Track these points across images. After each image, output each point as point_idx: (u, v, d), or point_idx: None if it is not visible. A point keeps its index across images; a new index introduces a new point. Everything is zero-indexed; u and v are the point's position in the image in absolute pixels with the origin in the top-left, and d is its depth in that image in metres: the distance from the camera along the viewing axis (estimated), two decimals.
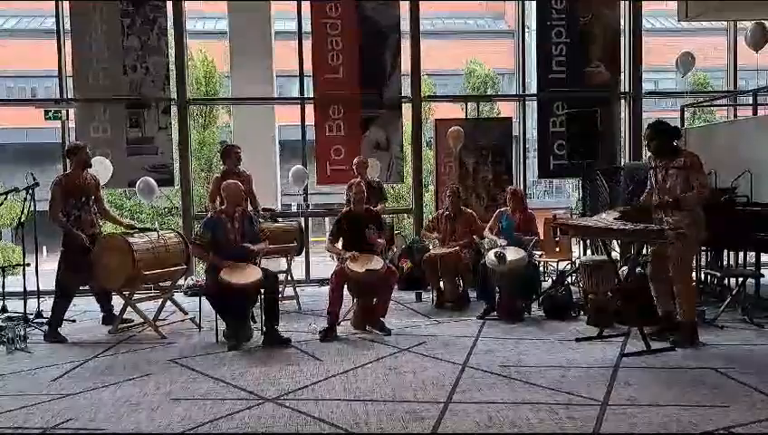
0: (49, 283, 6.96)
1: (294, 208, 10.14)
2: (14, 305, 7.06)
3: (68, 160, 6.53)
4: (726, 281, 7.06)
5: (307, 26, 9.12)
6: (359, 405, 4.13)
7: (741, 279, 6.59)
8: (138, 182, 8.35)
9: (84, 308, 7.21)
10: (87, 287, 6.62)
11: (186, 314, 6.54)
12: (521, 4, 10.24)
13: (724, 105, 11.83)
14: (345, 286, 6.08)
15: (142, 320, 6.24)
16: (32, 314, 6.73)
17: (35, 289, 7.04)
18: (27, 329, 6.15)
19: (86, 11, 8.66)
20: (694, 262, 6.17)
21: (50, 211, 6.15)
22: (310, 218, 9.43)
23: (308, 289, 8.53)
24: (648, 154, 5.78)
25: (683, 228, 5.26)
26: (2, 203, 7.08)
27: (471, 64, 17.46)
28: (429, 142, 11.95)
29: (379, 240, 6.24)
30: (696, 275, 7.28)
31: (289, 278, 7.51)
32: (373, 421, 3.85)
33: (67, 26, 8.79)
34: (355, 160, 8.11)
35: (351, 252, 6.10)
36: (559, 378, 4.58)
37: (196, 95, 13.33)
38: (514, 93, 11.02)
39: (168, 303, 6.57)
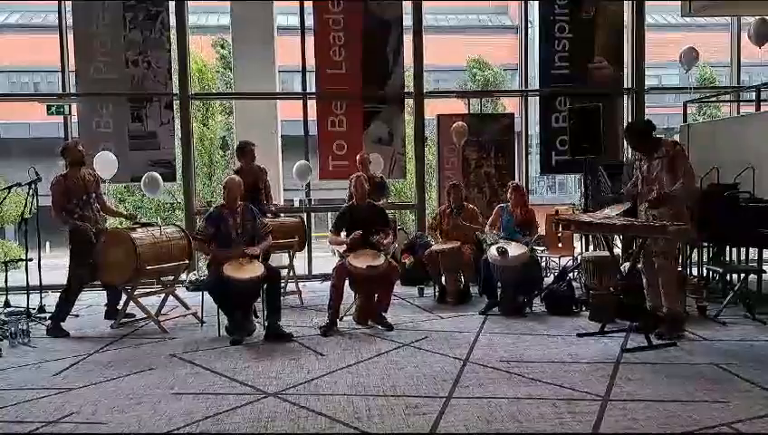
0: (51, 278, 6.99)
1: (297, 204, 10.12)
2: (17, 300, 7.08)
3: (64, 160, 6.52)
4: (728, 277, 7.05)
5: (309, 21, 9.12)
6: (360, 400, 4.13)
7: (743, 275, 6.59)
8: (143, 177, 8.38)
9: (87, 303, 7.23)
10: (97, 282, 6.63)
11: (188, 308, 6.55)
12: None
13: (728, 101, 11.80)
14: (347, 282, 6.09)
15: (145, 315, 6.24)
16: (34, 309, 6.76)
17: (38, 284, 7.05)
18: (30, 323, 6.17)
19: (88, 5, 8.65)
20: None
21: (53, 212, 6.21)
22: (312, 214, 9.44)
23: (310, 284, 8.53)
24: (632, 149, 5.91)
25: (672, 222, 5.29)
26: (5, 198, 7.09)
27: (475, 64, 17.27)
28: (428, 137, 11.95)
29: (385, 241, 6.25)
30: (698, 270, 7.30)
31: (291, 273, 7.52)
32: (375, 416, 3.86)
33: (69, 21, 8.81)
34: (358, 156, 8.13)
35: (353, 238, 6.12)
36: (560, 373, 4.58)
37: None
38: (517, 89, 11.01)
39: (171, 297, 6.58)
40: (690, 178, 5.46)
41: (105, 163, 7.92)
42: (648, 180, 5.60)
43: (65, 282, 6.30)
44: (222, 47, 15.84)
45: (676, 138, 8.88)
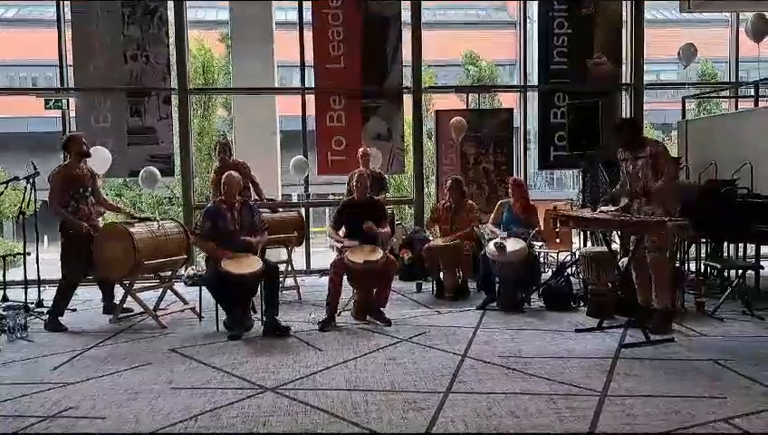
0: (49, 272, 6.99)
1: (295, 199, 10.11)
2: (15, 294, 7.08)
3: (66, 152, 6.48)
4: (726, 273, 7.06)
5: (308, 16, 9.10)
6: (358, 395, 4.14)
7: (741, 271, 6.59)
8: (141, 171, 8.36)
9: (85, 297, 7.23)
10: (90, 277, 6.61)
11: (186, 303, 6.54)
12: None
13: (726, 97, 11.80)
14: (345, 277, 6.09)
15: (142, 309, 6.24)
16: (32, 303, 6.75)
17: (36, 278, 7.04)
18: (28, 318, 6.17)
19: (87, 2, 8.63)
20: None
21: (49, 202, 6.15)
22: (310, 209, 9.43)
23: (308, 279, 8.53)
24: (618, 148, 5.89)
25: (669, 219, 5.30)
26: (2, 192, 7.08)
27: (468, 59, 17.07)
28: (430, 133, 11.93)
29: (381, 230, 6.24)
30: (696, 266, 7.30)
31: (289, 268, 7.52)
32: (373, 411, 3.86)
33: (68, 15, 8.78)
34: (360, 150, 8.14)
35: (352, 242, 6.11)
36: (558, 368, 4.59)
37: (194, 85, 13.28)
38: (516, 84, 11.00)
39: (169, 292, 6.58)
40: (669, 181, 5.47)
41: (99, 159, 7.87)
42: (635, 179, 5.63)
43: (60, 277, 6.29)
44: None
45: (674, 134, 8.89)
